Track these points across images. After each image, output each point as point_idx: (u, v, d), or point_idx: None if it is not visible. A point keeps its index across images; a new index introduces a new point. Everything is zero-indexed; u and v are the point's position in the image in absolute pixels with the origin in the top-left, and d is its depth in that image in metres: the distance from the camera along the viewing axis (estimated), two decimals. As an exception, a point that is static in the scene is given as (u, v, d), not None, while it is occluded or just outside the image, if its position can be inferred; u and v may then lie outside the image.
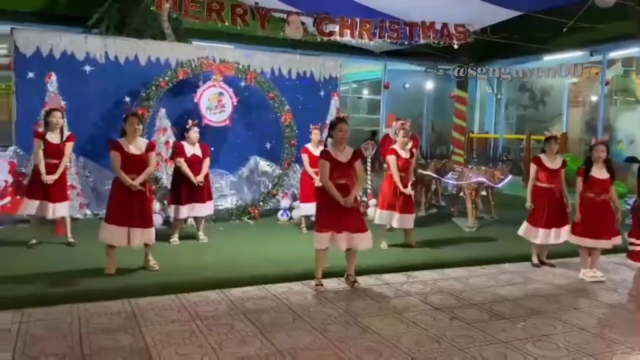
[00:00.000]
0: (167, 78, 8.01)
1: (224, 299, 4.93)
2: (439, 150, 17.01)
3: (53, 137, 6.29)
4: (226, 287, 5.19)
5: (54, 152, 6.25)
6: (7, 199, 7.21)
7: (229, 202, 8.64)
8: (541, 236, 6.17)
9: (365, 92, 18.84)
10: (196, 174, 6.75)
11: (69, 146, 6.40)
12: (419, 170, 9.55)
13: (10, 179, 7.22)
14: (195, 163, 6.79)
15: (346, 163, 5.26)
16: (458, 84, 14.64)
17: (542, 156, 6.27)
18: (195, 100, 8.12)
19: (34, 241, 6.35)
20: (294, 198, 8.81)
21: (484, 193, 9.32)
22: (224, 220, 8.17)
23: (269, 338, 4.08)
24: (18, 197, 7.33)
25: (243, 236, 7.37)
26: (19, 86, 7.72)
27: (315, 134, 7.73)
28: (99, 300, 4.72)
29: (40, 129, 6.41)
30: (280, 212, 8.52)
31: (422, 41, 10.98)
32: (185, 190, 6.73)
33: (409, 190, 6.80)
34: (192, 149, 6.85)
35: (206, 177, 6.95)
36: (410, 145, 6.99)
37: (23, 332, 4.05)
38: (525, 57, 13.73)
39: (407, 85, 16.76)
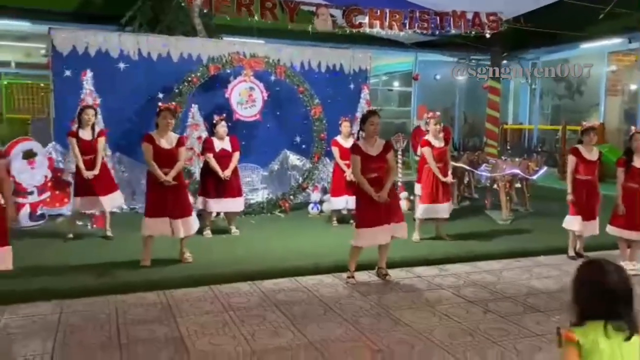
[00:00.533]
0: (198, 74, 8.11)
1: (256, 291, 4.99)
2: (471, 142, 16.76)
3: (85, 134, 6.44)
4: (258, 279, 5.25)
5: (87, 149, 6.41)
6: (47, 194, 7.44)
7: (260, 195, 8.71)
8: (582, 227, 6.04)
9: (396, 84, 18.67)
10: (225, 168, 6.81)
11: (101, 141, 6.55)
12: (451, 163, 9.45)
13: (50, 174, 7.44)
14: (224, 157, 6.86)
15: (377, 156, 5.22)
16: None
17: (580, 147, 6.10)
18: (227, 95, 8.21)
19: (70, 235, 6.54)
20: (325, 191, 8.83)
21: (518, 185, 9.14)
22: (255, 214, 8.25)
23: (300, 329, 4.11)
24: (57, 192, 7.58)
25: (274, 229, 7.42)
26: (57, 84, 7.94)
27: (345, 126, 7.71)
28: (135, 292, 4.84)
29: (74, 127, 6.57)
30: (311, 205, 8.55)
31: (453, 31, 10.82)
32: (213, 184, 6.81)
33: (449, 179, 6.79)
34: (221, 143, 6.92)
35: (235, 172, 6.99)
36: (442, 134, 6.90)
37: (63, 322, 4.19)
38: (560, 45, 13.38)
39: (438, 77, 16.54)
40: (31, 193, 7.21)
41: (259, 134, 8.76)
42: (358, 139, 5.49)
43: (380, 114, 5.48)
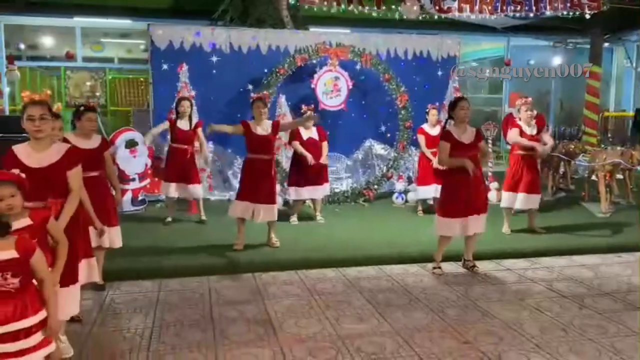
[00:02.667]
0: (286, 65, 8.28)
1: (341, 278, 5.06)
2: (568, 130, 15.81)
3: (183, 124, 6.80)
4: (342, 266, 5.32)
5: (184, 138, 6.77)
6: (147, 181, 7.95)
7: (344, 184, 8.77)
8: None
9: (487, 71, 17.95)
10: (313, 154, 6.94)
11: (199, 132, 6.89)
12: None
13: (149, 162, 7.94)
14: (311, 146, 6.99)
15: (469, 144, 5.06)
16: (591, 58, 13.45)
17: None
18: (312, 85, 8.32)
19: (169, 219, 6.96)
20: (409, 181, 8.73)
21: (620, 176, 8.53)
22: (339, 203, 8.33)
23: (384, 317, 4.12)
24: (156, 179, 8.07)
25: (358, 218, 7.46)
26: (155, 77, 8.43)
27: (432, 114, 7.55)
28: (227, 274, 5.09)
29: (173, 117, 6.97)
30: (395, 195, 8.49)
31: (548, 13, 10.23)
32: (304, 173, 6.96)
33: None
34: (308, 132, 7.05)
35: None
36: (534, 121, 6.57)
37: (162, 300, 4.49)
38: (672, 24, 12.24)
39: (531, 62, 15.72)
40: (133, 180, 7.72)
41: (343, 124, 8.81)
42: (445, 126, 5.37)
43: (469, 101, 5.33)
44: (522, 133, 6.40)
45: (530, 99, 6.79)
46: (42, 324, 2.56)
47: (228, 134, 5.95)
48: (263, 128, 5.73)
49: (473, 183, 5.01)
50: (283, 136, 8.06)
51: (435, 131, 7.39)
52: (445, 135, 5.15)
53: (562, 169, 9.53)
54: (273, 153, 5.88)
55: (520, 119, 6.56)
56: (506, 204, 6.53)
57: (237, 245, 5.72)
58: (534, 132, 6.46)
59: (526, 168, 6.37)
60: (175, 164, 6.81)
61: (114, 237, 4.52)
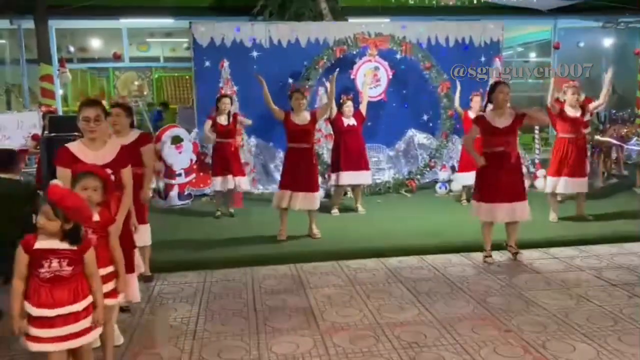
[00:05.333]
0: (325, 57, 8.31)
1: (382, 267, 5.07)
2: (621, 114, 15.15)
3: (222, 120, 6.93)
4: (383, 257, 5.32)
5: (224, 133, 6.91)
6: (193, 176, 8.16)
7: (386, 175, 8.73)
8: None
9: (533, 55, 17.42)
10: (352, 142, 7.06)
11: (239, 120, 7.09)
12: (596, 137, 8.69)
13: (195, 158, 8.14)
14: (350, 133, 7.11)
15: (504, 129, 4.96)
16: (644, 38, 12.84)
17: None
18: (352, 76, 8.31)
19: (219, 213, 7.11)
20: (453, 170, 8.62)
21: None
22: (381, 193, 8.30)
23: (426, 306, 4.11)
24: (202, 173, 8.28)
25: (400, 208, 7.43)
26: (198, 74, 8.63)
27: (475, 101, 7.43)
28: (269, 264, 5.18)
29: (213, 114, 7.09)
30: (439, 184, 8.39)
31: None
32: (344, 158, 7.03)
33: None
34: (347, 120, 7.15)
35: (363, 146, 7.25)
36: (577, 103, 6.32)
37: (207, 289, 4.62)
38: None
39: (581, 44, 15.13)
40: (179, 175, 7.95)
41: (384, 114, 8.77)
42: (484, 111, 5.27)
43: (509, 85, 5.20)
44: (563, 114, 6.20)
45: (576, 83, 6.56)
46: (88, 311, 2.70)
47: (270, 106, 5.92)
48: (301, 119, 5.81)
49: (507, 169, 4.94)
50: (323, 127, 8.11)
51: None
52: (477, 118, 5.11)
53: (614, 154, 9.18)
54: (312, 142, 5.94)
55: (565, 102, 6.36)
56: (550, 189, 6.34)
57: (281, 236, 5.81)
58: (578, 114, 6.24)
59: (573, 151, 6.17)
60: (219, 158, 6.96)
61: (141, 234, 4.39)
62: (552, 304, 4.08)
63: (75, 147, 3.31)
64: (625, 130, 8.83)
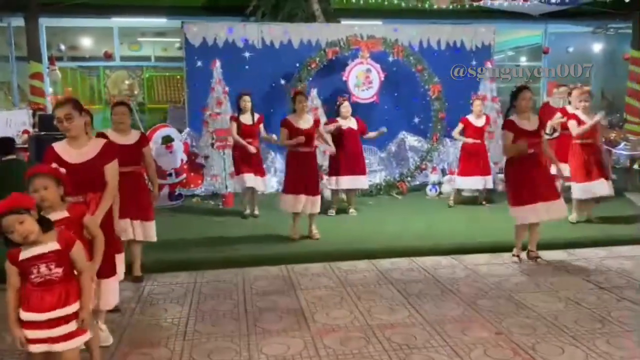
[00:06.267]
0: (317, 58, 8.31)
1: (373, 269, 5.07)
2: (610, 118, 15.30)
3: (246, 119, 6.80)
4: (374, 258, 5.33)
5: (248, 133, 6.78)
6: (183, 176, 8.12)
7: (377, 177, 8.75)
8: None
9: (523, 60, 17.56)
10: (352, 144, 7.02)
11: (261, 127, 6.90)
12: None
13: (185, 158, 8.11)
14: (349, 135, 7.05)
15: (533, 132, 5.04)
16: (633, 44, 12.97)
17: None
18: (344, 78, 8.32)
19: (247, 212, 7.00)
20: (444, 173, 8.66)
21: (664, 165, 8.25)
22: (372, 195, 8.32)
23: (416, 308, 4.12)
24: (192, 174, 8.24)
25: (391, 210, 7.44)
26: (189, 74, 8.60)
27: (476, 105, 7.46)
28: (261, 265, 5.17)
29: (235, 114, 6.96)
30: (429, 187, 8.42)
31: (584, -2, 9.91)
32: (344, 162, 6.99)
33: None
34: (346, 122, 7.09)
35: (361, 152, 7.21)
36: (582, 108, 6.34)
37: (198, 290, 4.60)
38: None
39: (570, 49, 15.27)
40: (170, 175, 7.91)
41: (376, 116, 8.76)
42: (507, 116, 5.27)
43: (532, 90, 5.22)
44: (579, 122, 6.22)
45: (587, 88, 6.58)
46: (77, 314, 2.67)
47: (284, 144, 5.91)
48: (305, 121, 5.78)
49: (540, 170, 5.03)
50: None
51: (480, 122, 7.36)
52: (508, 124, 5.12)
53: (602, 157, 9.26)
54: (315, 146, 5.91)
55: (576, 109, 6.38)
56: (587, 195, 6.30)
57: (294, 235, 5.84)
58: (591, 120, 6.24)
59: (588, 154, 6.23)
60: (243, 158, 6.78)
61: (149, 231, 4.65)
62: (541, 307, 4.10)
63: (60, 146, 3.31)
64: (613, 134, 8.92)
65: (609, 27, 13.48)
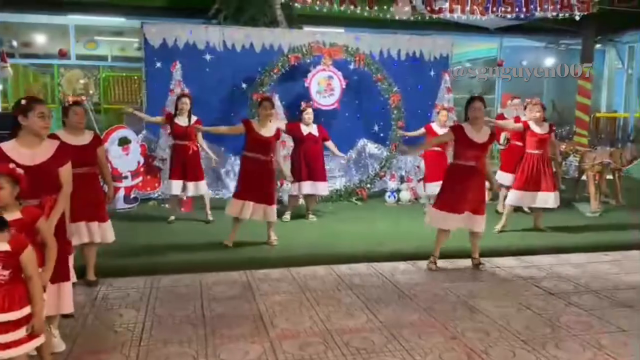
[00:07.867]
0: (279, 64, 8.31)
1: (332, 274, 5.11)
2: (559, 131, 15.93)
3: (181, 120, 6.76)
4: (334, 263, 5.37)
5: (181, 135, 6.74)
6: (140, 179, 7.96)
7: (337, 183, 8.81)
8: None
9: (476, 71, 18.05)
10: (313, 152, 7.07)
11: (196, 132, 6.78)
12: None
13: (142, 160, 7.95)
14: (311, 142, 7.09)
15: (481, 144, 5.06)
16: (582, 59, 13.57)
17: None
18: (306, 84, 8.36)
19: (172, 218, 6.90)
20: (402, 180, 8.80)
21: (610, 177, 8.63)
22: (332, 201, 8.37)
23: (374, 313, 4.17)
24: (149, 177, 8.09)
25: (351, 216, 7.50)
26: (148, 75, 8.44)
27: (442, 114, 7.64)
28: (219, 271, 5.12)
29: (172, 112, 6.92)
30: (388, 193, 8.54)
31: (538, 14, 10.30)
32: (305, 168, 7.02)
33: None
34: (308, 128, 7.13)
35: (322, 158, 7.24)
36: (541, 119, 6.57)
37: (154, 295, 4.52)
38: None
39: (524, 63, 15.83)
40: (125, 177, 7.73)
41: (337, 123, 8.83)
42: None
43: (484, 100, 5.31)
44: (530, 131, 6.45)
45: (538, 99, 6.81)
46: (28, 320, 2.58)
47: (224, 134, 5.91)
48: (267, 130, 5.71)
49: (473, 181, 5.08)
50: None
51: (443, 131, 7.48)
52: (455, 126, 5.20)
53: (553, 169, 9.60)
54: (272, 154, 5.81)
55: (529, 119, 6.58)
56: (519, 203, 6.58)
57: (228, 242, 5.72)
58: (545, 131, 6.49)
59: (540, 167, 6.44)
60: (177, 161, 6.75)
61: (105, 232, 4.56)
62: (494, 312, 4.23)
63: (9, 146, 3.18)
64: (563, 146, 9.27)
65: (560, 43, 14.05)
